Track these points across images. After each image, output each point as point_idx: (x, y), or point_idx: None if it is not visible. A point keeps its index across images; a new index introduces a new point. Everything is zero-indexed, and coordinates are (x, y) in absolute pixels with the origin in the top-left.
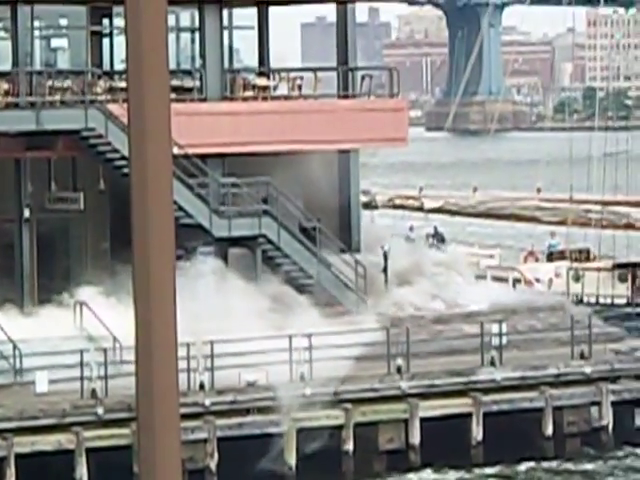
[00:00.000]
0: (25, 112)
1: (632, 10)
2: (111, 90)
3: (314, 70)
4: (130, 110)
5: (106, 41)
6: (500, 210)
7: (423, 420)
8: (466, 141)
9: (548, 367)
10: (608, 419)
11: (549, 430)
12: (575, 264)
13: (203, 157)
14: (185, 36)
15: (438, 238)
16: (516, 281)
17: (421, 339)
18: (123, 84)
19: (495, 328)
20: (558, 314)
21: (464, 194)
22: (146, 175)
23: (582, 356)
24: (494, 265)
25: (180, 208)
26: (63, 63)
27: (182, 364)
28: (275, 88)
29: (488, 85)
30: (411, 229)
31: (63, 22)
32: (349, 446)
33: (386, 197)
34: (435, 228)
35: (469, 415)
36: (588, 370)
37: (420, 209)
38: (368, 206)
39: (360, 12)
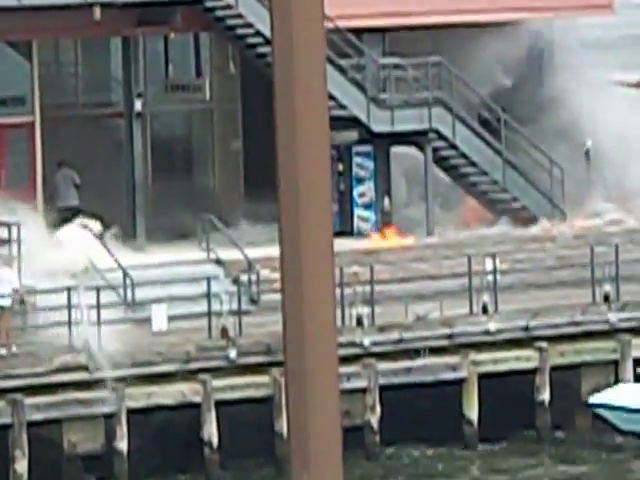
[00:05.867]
0: None
1: None
2: None
3: None
4: None
5: None
6: None
7: (637, 361)
8: None
9: None
10: None
11: None
12: None
13: (358, 32)
14: None
15: None
16: None
17: (635, 259)
18: None
19: None
20: None
21: None
22: (292, 54)
23: None
24: None
25: (330, 97)
26: None
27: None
28: None
29: None
30: None
31: None
32: (544, 395)
33: None
34: None
35: None
36: None
37: None
38: None
39: None
